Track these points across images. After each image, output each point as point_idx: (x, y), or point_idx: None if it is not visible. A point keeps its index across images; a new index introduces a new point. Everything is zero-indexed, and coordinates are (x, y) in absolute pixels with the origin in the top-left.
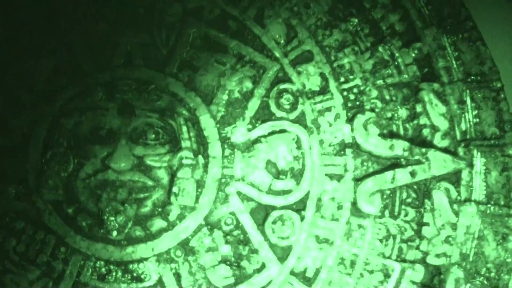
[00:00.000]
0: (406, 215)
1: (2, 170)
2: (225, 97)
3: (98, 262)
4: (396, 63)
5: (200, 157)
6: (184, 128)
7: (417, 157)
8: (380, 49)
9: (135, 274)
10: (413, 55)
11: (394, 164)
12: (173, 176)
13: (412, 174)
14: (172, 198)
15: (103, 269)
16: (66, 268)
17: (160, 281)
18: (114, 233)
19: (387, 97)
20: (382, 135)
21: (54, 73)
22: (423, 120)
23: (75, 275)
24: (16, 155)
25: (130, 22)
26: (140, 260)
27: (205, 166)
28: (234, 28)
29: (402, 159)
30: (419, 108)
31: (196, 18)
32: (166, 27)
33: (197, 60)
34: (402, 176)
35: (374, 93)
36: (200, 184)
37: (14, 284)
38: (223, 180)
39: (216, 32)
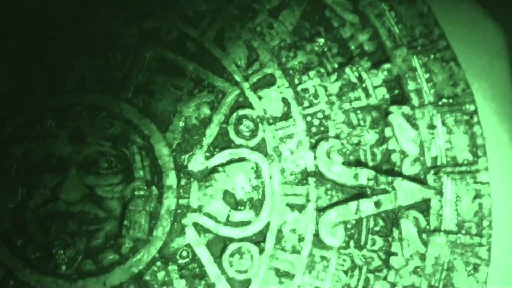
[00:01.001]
0: (373, 244)
1: None
2: (182, 123)
3: None
4: (364, 85)
5: (153, 187)
6: (138, 157)
7: (383, 186)
8: (347, 70)
9: None
10: (383, 77)
11: (359, 193)
12: (125, 208)
13: (377, 204)
14: (124, 231)
15: None
16: None
17: None
18: (63, 267)
19: (355, 122)
20: (346, 164)
21: (6, 98)
22: (392, 145)
23: None
24: None
25: (85, 44)
26: None
27: (159, 197)
28: (193, 51)
29: (368, 189)
30: (388, 133)
31: (152, 40)
32: (121, 49)
33: (153, 84)
34: (366, 207)
35: (341, 117)
36: (153, 216)
37: None
38: (178, 211)
39: (173, 55)
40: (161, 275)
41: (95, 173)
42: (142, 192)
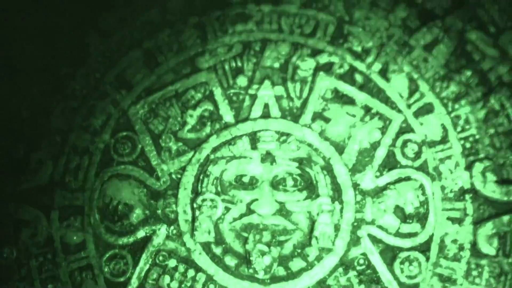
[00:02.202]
0: None
1: (154, 213)
2: (356, 147)
3: None
4: (506, 112)
5: (336, 203)
6: (321, 176)
7: None
8: (492, 99)
9: None
10: None
11: (510, 209)
12: (313, 220)
13: None
14: (313, 241)
15: None
16: None
17: None
18: (261, 273)
19: (498, 145)
20: (498, 182)
21: (199, 124)
22: None
23: None
24: (166, 198)
25: (268, 77)
26: None
27: (341, 211)
28: (361, 82)
29: None
30: None
31: (326, 73)
32: (299, 80)
33: (328, 112)
34: None
35: (487, 140)
36: (336, 228)
37: None
38: (355, 224)
39: (345, 85)
40: (342, 280)
41: (283, 190)
42: (328, 207)
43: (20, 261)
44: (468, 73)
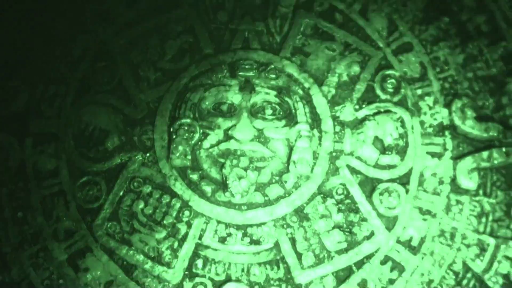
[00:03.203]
0: (496, 196)
1: (130, 139)
2: (335, 79)
3: (219, 225)
4: (485, 58)
5: (315, 130)
6: (300, 105)
7: (510, 140)
8: (470, 45)
9: (254, 238)
10: (499, 52)
11: (488, 145)
12: (291, 148)
13: (507, 154)
14: (291, 166)
15: (224, 232)
16: (189, 230)
17: (276, 245)
18: (238, 196)
19: (476, 88)
20: (477, 118)
21: (179, 54)
22: (509, 111)
23: (197, 237)
24: (143, 126)
25: (248, 12)
26: (259, 225)
27: (319, 139)
28: (340, 20)
29: (496, 141)
30: (504, 100)
31: (307, 10)
32: (280, 16)
33: (308, 47)
34: (498, 155)
35: (465, 83)
36: (314, 156)
37: (142, 243)
38: (333, 154)
39: (324, 23)
40: (321, 208)
41: (261, 118)
42: (307, 133)
43: None
44: (446, 19)
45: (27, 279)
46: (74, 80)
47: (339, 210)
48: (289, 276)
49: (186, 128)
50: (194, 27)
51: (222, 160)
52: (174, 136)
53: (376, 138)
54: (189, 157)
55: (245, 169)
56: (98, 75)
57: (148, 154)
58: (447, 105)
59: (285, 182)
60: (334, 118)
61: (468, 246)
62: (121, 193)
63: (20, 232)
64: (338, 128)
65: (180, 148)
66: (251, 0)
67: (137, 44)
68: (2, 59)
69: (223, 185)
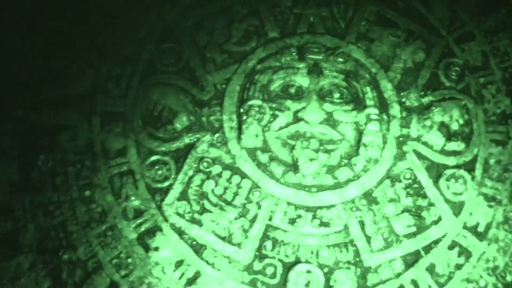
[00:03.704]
0: None
1: (198, 120)
2: (401, 65)
3: (289, 207)
4: None
5: (383, 115)
6: (368, 89)
7: None
8: None
9: (323, 220)
10: None
11: None
12: (360, 131)
13: None
14: (361, 149)
15: (294, 214)
16: (259, 211)
17: (345, 228)
18: (309, 178)
19: None
20: None
21: (245, 37)
22: None
23: (268, 218)
24: (211, 107)
25: None
26: (328, 207)
27: (387, 123)
28: (402, 8)
29: None
30: None
31: None
32: (344, 2)
33: (372, 33)
34: None
35: None
36: (383, 140)
37: (213, 222)
38: (400, 139)
39: (387, 10)
40: (389, 192)
41: (329, 101)
42: (376, 117)
43: (55, 171)
44: (503, 11)
45: (95, 258)
46: (140, 60)
47: (408, 194)
48: (358, 259)
49: (256, 109)
50: (259, 10)
51: (292, 142)
52: (244, 117)
53: (442, 124)
54: (260, 138)
55: (316, 151)
56: (164, 56)
57: (217, 135)
58: (509, 94)
59: (355, 165)
60: (401, 104)
61: None
62: (191, 173)
63: (88, 210)
64: (404, 114)
65: (252, 129)
66: None
67: (203, 26)
68: (69, 39)
69: (293, 167)
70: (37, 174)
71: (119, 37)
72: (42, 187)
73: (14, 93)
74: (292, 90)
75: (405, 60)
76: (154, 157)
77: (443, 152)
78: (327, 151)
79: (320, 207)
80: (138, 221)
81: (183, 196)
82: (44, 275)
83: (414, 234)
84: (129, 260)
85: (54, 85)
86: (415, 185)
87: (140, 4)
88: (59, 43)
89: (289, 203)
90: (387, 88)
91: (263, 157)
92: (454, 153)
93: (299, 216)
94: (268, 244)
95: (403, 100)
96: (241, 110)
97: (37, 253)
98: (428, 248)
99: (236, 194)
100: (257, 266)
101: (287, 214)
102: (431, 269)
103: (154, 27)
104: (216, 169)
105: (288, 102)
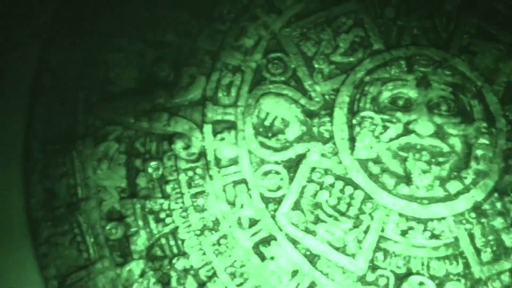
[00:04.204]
0: None
1: (309, 130)
2: (504, 79)
3: (401, 218)
4: None
5: (492, 128)
6: (475, 102)
7: None
8: None
9: (434, 232)
10: None
11: None
12: (469, 144)
13: None
14: (472, 162)
15: (405, 226)
16: (372, 222)
17: (456, 240)
18: (423, 190)
19: None
20: None
21: (350, 48)
22: None
23: (380, 229)
24: (321, 117)
25: (414, 9)
26: (439, 219)
27: (495, 136)
28: (503, 22)
29: None
30: None
31: (470, 9)
32: (446, 14)
33: (474, 46)
34: None
35: None
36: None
37: (328, 233)
38: (507, 153)
39: (488, 24)
40: (498, 205)
41: (438, 114)
42: (486, 130)
43: (165, 178)
44: None
45: (208, 266)
46: (248, 69)
47: None
48: (467, 271)
49: (369, 121)
50: (364, 21)
51: (403, 154)
52: (358, 129)
53: None
54: (374, 150)
55: (428, 164)
56: (272, 65)
57: (327, 145)
58: None
59: (465, 178)
60: (505, 117)
61: None
62: (303, 183)
63: (201, 218)
64: (509, 127)
65: (366, 140)
66: None
67: (309, 36)
68: (177, 47)
69: (406, 179)
70: (145, 181)
71: (228, 47)
72: (151, 194)
73: (127, 101)
74: (401, 102)
75: (508, 73)
76: (266, 167)
77: None
78: (439, 164)
79: (431, 219)
80: (253, 230)
81: (297, 206)
82: (155, 282)
83: None
84: (244, 268)
85: (166, 94)
86: None
87: (246, 14)
88: (169, 52)
89: (400, 215)
90: (493, 101)
91: (375, 168)
92: None
93: (411, 228)
94: (379, 255)
95: (507, 113)
96: (354, 121)
97: (148, 260)
98: None
99: (349, 204)
100: (370, 277)
101: (399, 226)
102: None
103: (261, 37)
104: (329, 179)
105: (399, 114)
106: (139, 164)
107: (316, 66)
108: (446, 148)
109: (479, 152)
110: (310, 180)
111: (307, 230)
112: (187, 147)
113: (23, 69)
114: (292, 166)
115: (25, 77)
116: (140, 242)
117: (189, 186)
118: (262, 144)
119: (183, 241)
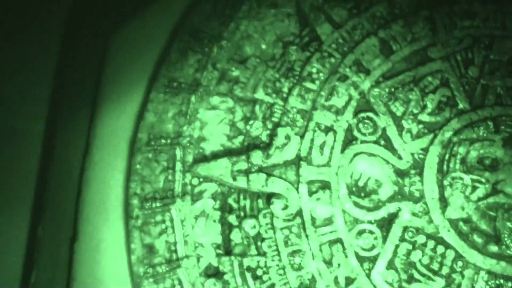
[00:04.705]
0: None
1: (400, 190)
2: None
3: (489, 276)
4: None
5: None
6: None
7: None
8: None
9: None
10: None
11: None
12: None
13: None
14: None
15: (494, 283)
16: (462, 280)
17: None
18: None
19: None
20: None
21: (437, 108)
22: None
23: (470, 287)
24: (411, 177)
25: (497, 68)
26: None
27: None
28: None
29: None
30: None
31: None
32: None
33: None
34: None
35: None
36: None
37: None
38: None
39: None
40: None
41: None
42: None
43: (261, 236)
44: None
45: None
46: (340, 129)
47: None
48: None
49: (460, 182)
50: (449, 80)
51: (492, 213)
52: (450, 190)
53: None
54: (466, 210)
55: None
56: (362, 124)
57: (418, 205)
58: None
59: None
60: None
61: None
62: (396, 242)
63: (298, 277)
64: None
65: (458, 201)
66: (501, 55)
67: (397, 96)
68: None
69: (495, 238)
70: (240, 237)
71: (319, 106)
72: (246, 251)
73: (224, 160)
74: (487, 162)
75: None
76: (361, 226)
77: None
78: None
79: None
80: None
81: (390, 265)
82: None
83: None
84: None
85: (263, 154)
86: None
87: (334, 74)
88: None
89: (489, 272)
90: None
91: (465, 228)
92: None
93: (500, 285)
94: None
95: None
96: (445, 182)
97: None
98: None
99: (441, 264)
100: None
101: (488, 283)
102: None
103: (351, 97)
104: (421, 238)
105: (486, 174)
106: (233, 220)
107: (405, 126)
108: None
109: None
110: (403, 239)
111: None
112: (285, 207)
113: (123, 125)
114: (385, 225)
115: (124, 134)
116: None
117: (286, 244)
118: (356, 204)
119: None
